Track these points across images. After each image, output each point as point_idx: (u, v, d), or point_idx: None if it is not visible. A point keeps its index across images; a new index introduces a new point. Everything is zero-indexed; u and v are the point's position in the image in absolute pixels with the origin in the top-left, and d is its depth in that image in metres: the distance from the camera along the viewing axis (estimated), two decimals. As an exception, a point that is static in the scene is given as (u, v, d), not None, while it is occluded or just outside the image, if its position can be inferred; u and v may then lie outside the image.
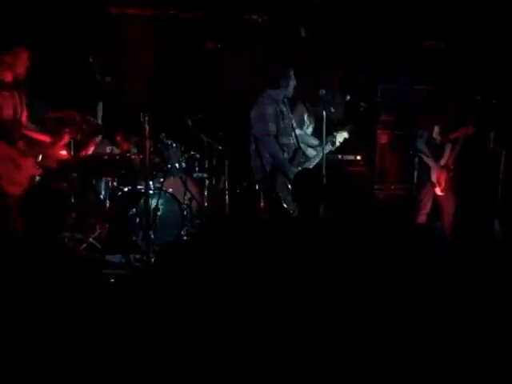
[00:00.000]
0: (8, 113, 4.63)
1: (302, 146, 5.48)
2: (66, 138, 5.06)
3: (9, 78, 4.68)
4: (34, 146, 4.90)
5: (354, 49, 6.95)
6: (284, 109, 5.41)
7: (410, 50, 6.91)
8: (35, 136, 4.91)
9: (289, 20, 6.81)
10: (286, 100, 5.45)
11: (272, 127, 5.20)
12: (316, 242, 4.05)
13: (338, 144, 5.54)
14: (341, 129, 5.47)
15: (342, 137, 5.52)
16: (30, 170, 4.86)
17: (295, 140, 5.40)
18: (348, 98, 5.73)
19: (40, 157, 4.97)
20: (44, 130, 5.03)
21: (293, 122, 5.52)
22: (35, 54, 4.78)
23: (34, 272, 3.75)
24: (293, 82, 5.40)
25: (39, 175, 5.07)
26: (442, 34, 6.79)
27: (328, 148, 5.44)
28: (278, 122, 5.28)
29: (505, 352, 2.95)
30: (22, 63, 4.69)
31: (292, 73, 5.41)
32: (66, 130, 5.01)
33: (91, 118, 5.42)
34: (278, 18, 6.74)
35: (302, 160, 5.36)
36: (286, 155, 5.28)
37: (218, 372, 2.80)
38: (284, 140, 5.33)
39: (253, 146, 5.31)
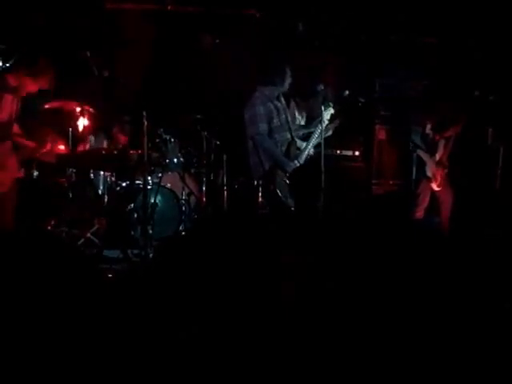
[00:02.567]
0: (4, 116, 4.58)
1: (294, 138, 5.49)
2: (48, 146, 5.02)
3: (14, 83, 4.64)
4: (18, 150, 4.86)
5: (352, 44, 6.95)
6: (279, 104, 5.41)
7: (409, 45, 6.91)
8: (19, 140, 4.85)
9: (286, 15, 6.80)
10: (280, 95, 5.44)
11: (263, 127, 5.22)
12: (314, 238, 4.05)
13: (326, 122, 5.42)
14: (326, 106, 5.38)
15: (328, 114, 5.43)
16: (13, 171, 4.81)
17: (290, 134, 5.41)
18: (346, 93, 5.71)
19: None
20: (42, 123, 5.00)
21: (288, 116, 5.51)
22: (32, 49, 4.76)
23: (31, 267, 3.74)
24: (289, 80, 5.39)
25: (36, 171, 5.06)
26: (440, 29, 6.79)
27: (318, 129, 5.38)
28: (272, 120, 5.29)
29: (504, 347, 2.96)
30: (33, 86, 4.66)
31: (288, 70, 5.39)
32: (49, 137, 4.98)
33: (90, 109, 5.39)
34: (276, 13, 6.73)
35: (296, 152, 5.38)
36: (281, 150, 5.30)
37: (216, 368, 2.80)
38: (279, 136, 5.34)
39: (250, 144, 5.33)
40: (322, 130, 5.18)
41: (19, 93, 4.64)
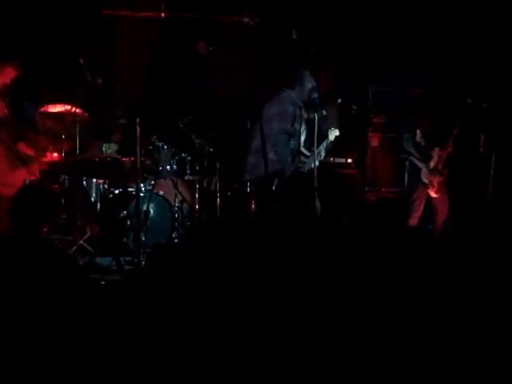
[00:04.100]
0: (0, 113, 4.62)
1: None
2: (47, 157, 5.03)
3: None
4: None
5: (346, 51, 6.98)
6: (302, 113, 5.39)
7: (402, 53, 6.94)
8: (19, 147, 4.86)
9: (280, 22, 6.82)
10: (301, 104, 5.41)
11: (289, 126, 5.19)
12: (308, 244, 4.04)
13: (331, 141, 5.55)
14: (331, 127, 5.46)
15: (333, 135, 5.51)
16: (25, 173, 4.82)
17: (298, 145, 5.41)
18: (339, 100, 5.73)
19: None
20: (37, 131, 5.02)
21: (302, 127, 5.49)
22: (26, 55, 4.78)
23: (23, 273, 3.71)
24: (308, 84, 5.35)
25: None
26: (433, 35, 6.82)
27: (323, 149, 5.44)
28: (294, 123, 5.27)
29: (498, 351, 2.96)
30: (3, 77, 4.69)
31: (307, 74, 5.38)
32: (48, 147, 5.00)
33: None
34: (270, 20, 6.75)
35: (299, 165, 5.38)
36: (289, 156, 5.29)
37: (216, 368, 2.78)
38: (292, 143, 5.32)
39: (257, 142, 5.26)
40: (315, 136, 5.19)
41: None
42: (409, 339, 3.03)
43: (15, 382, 2.68)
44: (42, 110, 5.15)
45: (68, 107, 5.09)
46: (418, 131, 6.06)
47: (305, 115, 5.48)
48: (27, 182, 5.10)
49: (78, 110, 5.16)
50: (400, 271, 3.54)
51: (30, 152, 4.88)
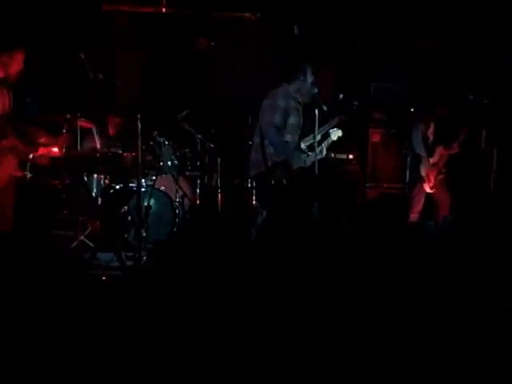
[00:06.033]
0: None
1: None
2: (40, 151, 5.01)
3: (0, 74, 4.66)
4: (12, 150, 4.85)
5: (348, 47, 6.96)
6: (298, 106, 5.38)
7: (403, 49, 6.92)
8: (12, 141, 4.84)
9: (282, 19, 6.80)
10: (298, 97, 5.40)
11: (278, 119, 5.17)
12: (309, 240, 4.06)
13: (334, 139, 5.57)
14: (335, 127, 5.49)
15: (336, 135, 5.53)
16: (10, 169, 4.79)
17: (299, 140, 5.40)
18: (341, 96, 5.72)
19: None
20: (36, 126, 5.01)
21: (301, 123, 5.48)
22: (28, 51, 4.75)
23: (24, 269, 3.72)
24: (309, 78, 5.37)
25: (30, 173, 5.04)
26: (436, 33, 6.81)
27: (325, 147, 5.46)
28: (288, 117, 5.26)
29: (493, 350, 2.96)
30: (16, 64, 4.67)
31: (308, 68, 5.39)
32: (41, 141, 4.98)
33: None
34: (272, 16, 6.73)
35: (299, 159, 5.37)
36: (288, 150, 5.27)
37: (211, 373, 2.79)
38: (289, 137, 5.31)
39: (257, 139, 5.27)
40: (315, 136, 5.19)
41: (7, 81, 4.65)
42: (408, 338, 3.04)
43: (15, 375, 2.70)
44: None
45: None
46: (431, 124, 6.06)
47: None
48: (28, 176, 5.11)
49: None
50: (400, 271, 3.55)
51: (20, 146, 4.85)
